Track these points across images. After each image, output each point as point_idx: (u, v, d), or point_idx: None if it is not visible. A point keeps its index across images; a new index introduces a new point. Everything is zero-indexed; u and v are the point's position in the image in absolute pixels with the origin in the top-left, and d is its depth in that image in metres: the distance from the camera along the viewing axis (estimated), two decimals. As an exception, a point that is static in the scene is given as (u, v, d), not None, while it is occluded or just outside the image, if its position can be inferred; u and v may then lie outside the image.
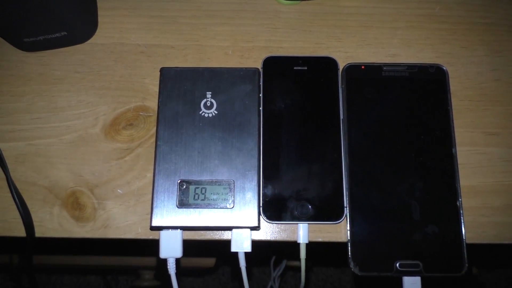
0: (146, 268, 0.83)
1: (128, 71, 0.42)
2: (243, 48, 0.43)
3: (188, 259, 0.80)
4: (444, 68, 0.41)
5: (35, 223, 0.38)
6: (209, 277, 1.12)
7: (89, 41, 0.43)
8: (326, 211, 0.38)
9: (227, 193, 0.36)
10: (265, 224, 0.38)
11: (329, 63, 0.42)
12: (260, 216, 0.37)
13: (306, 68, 0.41)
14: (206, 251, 0.82)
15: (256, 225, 0.36)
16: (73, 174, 0.40)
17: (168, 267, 0.36)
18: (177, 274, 0.36)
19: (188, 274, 1.12)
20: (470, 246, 0.39)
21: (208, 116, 0.38)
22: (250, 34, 0.44)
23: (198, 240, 0.38)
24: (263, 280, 1.13)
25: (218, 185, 0.37)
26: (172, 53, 0.43)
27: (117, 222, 0.38)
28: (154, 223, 0.36)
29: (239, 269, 0.37)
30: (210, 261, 0.78)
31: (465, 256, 0.37)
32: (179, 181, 0.37)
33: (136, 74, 0.42)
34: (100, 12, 0.44)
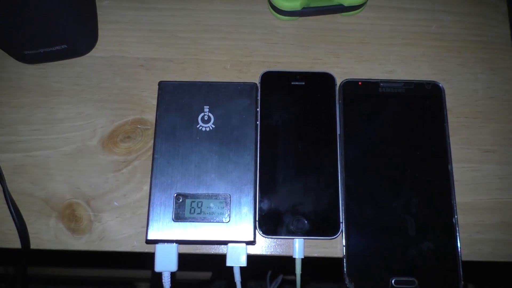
0: (141, 280, 0.83)
1: (127, 84, 0.43)
2: (241, 62, 0.44)
3: (184, 272, 0.79)
4: (440, 85, 0.42)
5: (31, 235, 0.38)
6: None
7: (89, 54, 0.44)
8: (322, 226, 0.38)
9: (223, 207, 0.36)
10: (261, 238, 0.38)
11: (326, 78, 0.42)
12: (256, 231, 0.37)
13: (303, 83, 0.42)
14: (202, 264, 0.82)
15: (252, 239, 0.36)
16: (70, 186, 0.40)
17: (163, 281, 0.36)
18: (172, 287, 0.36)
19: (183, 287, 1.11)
20: (467, 263, 0.39)
21: (206, 130, 0.38)
22: (248, 49, 0.44)
23: (194, 254, 0.38)
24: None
25: (215, 199, 0.37)
26: (170, 66, 0.43)
27: (113, 234, 0.38)
28: (150, 237, 0.36)
29: (235, 283, 0.37)
30: (205, 275, 0.78)
31: (461, 273, 0.37)
32: (175, 195, 0.37)
33: (135, 87, 0.43)
34: (100, 26, 0.44)
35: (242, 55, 0.44)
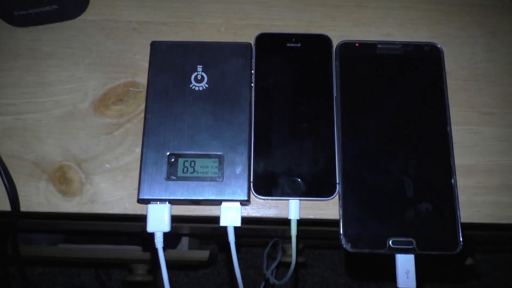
0: (139, 262, 0.82)
1: (119, 47, 0.42)
2: (236, 26, 0.43)
3: (181, 252, 0.79)
4: (439, 47, 0.41)
5: (21, 198, 0.37)
6: (205, 279, 1.11)
7: (80, 17, 0.43)
8: (318, 188, 0.37)
9: (216, 167, 0.36)
10: (255, 200, 0.38)
11: (323, 40, 0.41)
12: (251, 192, 0.37)
13: (299, 45, 0.41)
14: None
15: (246, 198, 0.35)
16: (61, 149, 0.39)
17: (155, 241, 0.35)
18: (164, 248, 0.35)
19: (181, 269, 1.10)
20: (466, 225, 0.38)
21: (199, 89, 0.38)
22: (243, 12, 0.43)
23: (187, 216, 0.37)
24: (258, 281, 1.11)
25: (208, 158, 0.36)
26: (164, 30, 0.43)
27: (104, 197, 0.38)
28: (142, 196, 0.35)
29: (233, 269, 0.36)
30: (203, 255, 0.77)
31: (460, 234, 0.36)
32: (168, 154, 0.36)
33: (127, 50, 0.42)
34: (92, -12, 0.44)
35: (237, 18, 0.43)
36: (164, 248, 0.35)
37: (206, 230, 0.72)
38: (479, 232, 0.55)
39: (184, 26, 0.43)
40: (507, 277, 1.12)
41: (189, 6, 0.43)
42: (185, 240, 0.81)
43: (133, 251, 0.79)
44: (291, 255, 0.69)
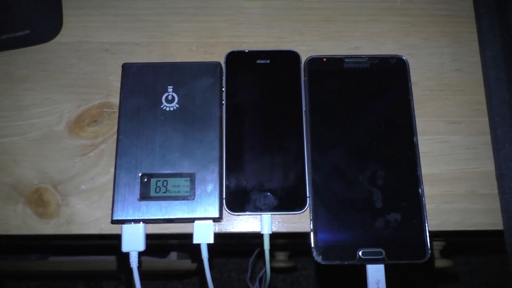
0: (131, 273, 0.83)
1: (92, 69, 0.43)
2: (207, 44, 0.44)
3: (170, 262, 0.79)
4: (405, 59, 0.42)
5: (-1, 221, 0.38)
6: (190, 285, 1.12)
7: (54, 40, 0.44)
8: (289, 201, 0.38)
9: (188, 185, 0.36)
10: (228, 215, 0.38)
11: (291, 56, 0.42)
12: (223, 208, 0.37)
13: (268, 61, 0.42)
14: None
15: (218, 216, 0.36)
16: (38, 171, 0.40)
17: (131, 260, 0.36)
18: (139, 268, 0.36)
19: (168, 278, 1.11)
20: (435, 233, 0.39)
21: (170, 109, 0.38)
22: (214, 30, 0.44)
23: (162, 234, 0.38)
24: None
25: (179, 177, 0.37)
26: (136, 50, 0.43)
27: (81, 218, 0.38)
28: (115, 217, 0.36)
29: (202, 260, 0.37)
30: (191, 265, 0.78)
31: (428, 243, 0.37)
32: (140, 175, 0.37)
33: (100, 71, 0.43)
34: (64, 12, 0.44)
35: (207, 36, 0.44)
36: (139, 268, 0.36)
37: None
38: (458, 238, 0.56)
39: (156, 46, 0.44)
40: (484, 279, 1.13)
41: (161, 26, 0.44)
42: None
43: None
44: (280, 260, 0.69)
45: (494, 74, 0.40)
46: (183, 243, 0.77)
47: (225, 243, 0.72)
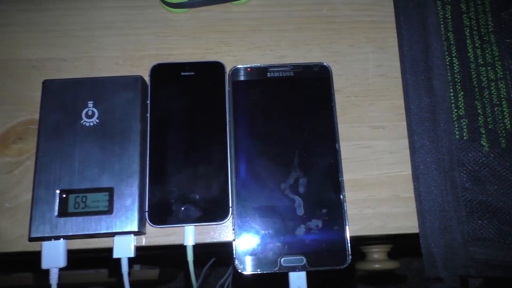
0: (97, 285, 0.82)
1: (19, 86, 0.43)
2: (133, 57, 0.44)
3: (131, 271, 0.79)
4: (328, 66, 0.42)
5: None
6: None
7: (-20, 59, 0.44)
8: (212, 212, 0.38)
9: (107, 200, 0.37)
10: (151, 228, 0.39)
11: (216, 67, 0.42)
12: (146, 221, 0.38)
13: (193, 73, 0.42)
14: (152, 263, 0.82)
15: (136, 230, 0.36)
16: (-38, 191, 0.40)
17: (50, 277, 0.36)
18: (59, 285, 0.36)
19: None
20: (358, 238, 0.40)
21: (89, 125, 0.39)
22: (140, 43, 0.44)
23: (84, 249, 0.38)
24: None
25: (98, 192, 0.37)
26: (63, 66, 0.44)
27: (5, 236, 0.38)
28: (33, 234, 0.36)
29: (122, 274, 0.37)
30: (153, 273, 0.78)
31: (349, 248, 0.37)
32: (59, 191, 0.37)
33: (26, 88, 0.43)
34: (-9, 29, 0.44)
35: (134, 49, 0.44)
36: (59, 285, 0.36)
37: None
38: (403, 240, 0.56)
39: (83, 61, 0.44)
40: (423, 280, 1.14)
41: (88, 41, 0.44)
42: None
43: (102, 274, 0.80)
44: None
45: (411, 79, 0.40)
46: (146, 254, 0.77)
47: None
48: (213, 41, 0.45)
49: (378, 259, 0.58)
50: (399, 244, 0.59)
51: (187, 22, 0.45)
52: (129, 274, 0.37)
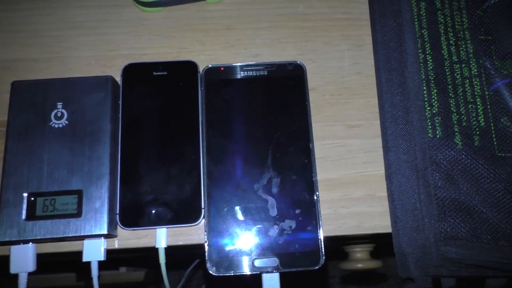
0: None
1: (-11, 87, 0.42)
2: (106, 57, 0.43)
3: (117, 274, 0.79)
4: (301, 64, 0.42)
5: None
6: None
7: (-51, 60, 0.43)
8: (184, 214, 0.38)
9: (75, 203, 0.36)
10: (123, 231, 0.38)
11: (189, 66, 0.42)
12: (117, 224, 0.37)
13: (166, 73, 0.42)
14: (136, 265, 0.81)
15: (106, 232, 0.36)
16: None
17: (19, 281, 0.36)
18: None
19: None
20: (332, 238, 0.39)
21: (58, 126, 0.38)
22: (113, 43, 0.44)
23: (54, 253, 0.38)
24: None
25: (67, 195, 0.36)
26: (35, 66, 0.43)
27: (-26, 240, 0.38)
28: (1, 238, 0.35)
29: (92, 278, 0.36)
30: (139, 275, 0.77)
31: (322, 249, 0.37)
32: (27, 194, 0.36)
33: (-3, 89, 0.42)
34: (-40, 30, 0.44)
35: (107, 49, 0.44)
36: (27, 288, 0.35)
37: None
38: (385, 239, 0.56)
39: (55, 61, 0.43)
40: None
41: (60, 41, 0.44)
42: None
43: (72, 277, 0.79)
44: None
45: (385, 77, 0.40)
46: (134, 256, 0.77)
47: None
48: (187, 40, 0.44)
49: (360, 258, 0.57)
50: (382, 244, 0.58)
51: (161, 21, 0.45)
52: (99, 277, 0.36)
